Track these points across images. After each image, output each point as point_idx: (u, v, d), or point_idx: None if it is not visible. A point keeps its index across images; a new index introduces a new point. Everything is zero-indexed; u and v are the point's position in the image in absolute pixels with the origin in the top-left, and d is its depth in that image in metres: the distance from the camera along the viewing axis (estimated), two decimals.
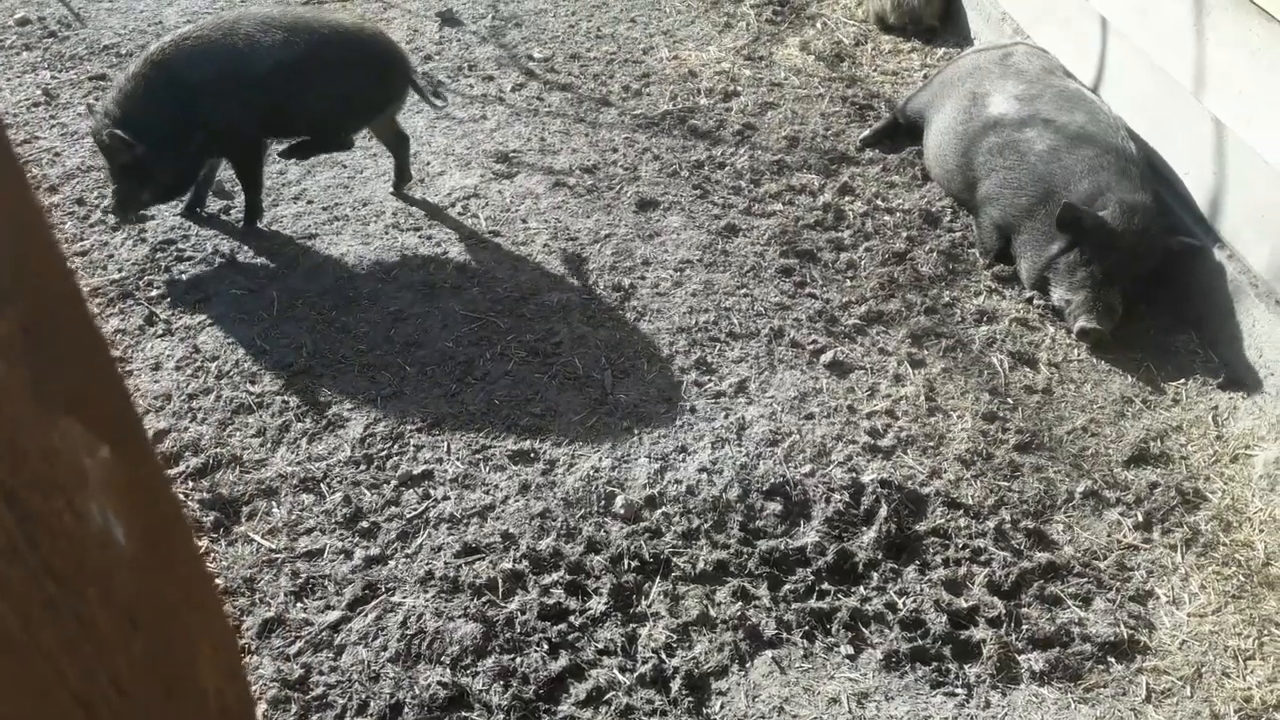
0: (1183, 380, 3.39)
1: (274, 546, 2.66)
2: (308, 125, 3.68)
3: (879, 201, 4.11)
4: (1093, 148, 3.61)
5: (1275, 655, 2.54)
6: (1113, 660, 2.53)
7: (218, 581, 2.56)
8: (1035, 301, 3.67)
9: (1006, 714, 2.38)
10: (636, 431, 3.04)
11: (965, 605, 2.61)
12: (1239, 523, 2.91)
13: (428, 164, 4.19)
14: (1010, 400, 3.27)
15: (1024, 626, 2.58)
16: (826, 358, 3.34)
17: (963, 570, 2.71)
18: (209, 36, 3.43)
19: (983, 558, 2.75)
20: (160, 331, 3.31)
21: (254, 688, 2.32)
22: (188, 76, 3.38)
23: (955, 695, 2.42)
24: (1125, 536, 2.86)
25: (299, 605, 2.52)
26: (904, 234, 3.93)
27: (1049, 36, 4.50)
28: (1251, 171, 3.35)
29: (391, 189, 4.01)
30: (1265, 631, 2.60)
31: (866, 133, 4.48)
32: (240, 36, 3.43)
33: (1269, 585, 2.72)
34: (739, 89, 4.83)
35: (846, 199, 4.12)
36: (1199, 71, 3.51)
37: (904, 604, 2.61)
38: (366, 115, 3.78)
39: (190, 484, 2.80)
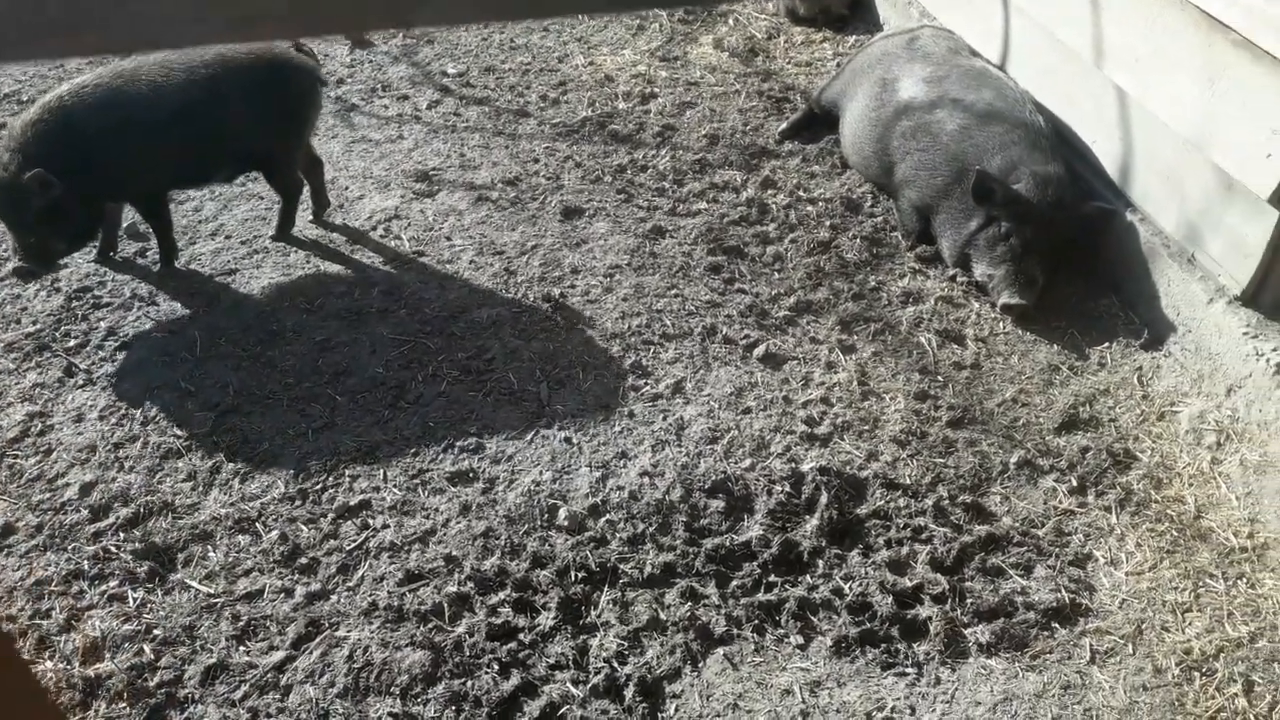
0: (1107, 344, 3.46)
1: (212, 591, 2.61)
2: (249, 162, 3.69)
3: (801, 193, 4.15)
4: (1002, 124, 3.68)
5: (1211, 606, 2.61)
6: (1057, 625, 2.57)
7: (156, 633, 2.50)
8: (959, 279, 3.73)
9: (957, 689, 2.41)
10: (576, 441, 3.03)
11: (910, 584, 2.64)
12: (1169, 479, 2.98)
13: (346, 188, 4.14)
14: (940, 378, 3.31)
15: (968, 600, 2.61)
16: (759, 351, 3.36)
17: (905, 550, 2.73)
18: (110, 84, 3.35)
19: (924, 535, 2.78)
20: (81, 382, 3.23)
21: None
22: (90, 125, 3.29)
23: (906, 675, 2.44)
24: (1061, 502, 2.91)
25: (242, 648, 2.48)
26: (827, 223, 3.97)
27: (954, 18, 4.57)
28: (1155, 136, 3.43)
29: (310, 217, 3.95)
30: (1200, 583, 2.67)
31: (784, 125, 4.52)
32: (143, 83, 3.36)
33: (1201, 537, 2.79)
34: (656, 90, 4.85)
35: (769, 192, 4.15)
36: (1098, 42, 3.59)
37: (850, 589, 2.63)
38: (297, 134, 3.74)
39: (121, 535, 2.74)
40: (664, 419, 3.11)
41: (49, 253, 3.41)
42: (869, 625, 2.54)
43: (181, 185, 3.91)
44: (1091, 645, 2.52)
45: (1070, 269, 3.72)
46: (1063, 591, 2.64)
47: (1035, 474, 2.99)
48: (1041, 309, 3.56)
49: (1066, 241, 3.61)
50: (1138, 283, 3.53)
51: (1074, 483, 2.96)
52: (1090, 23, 3.61)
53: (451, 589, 2.58)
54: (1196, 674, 2.45)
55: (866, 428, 3.11)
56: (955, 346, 3.46)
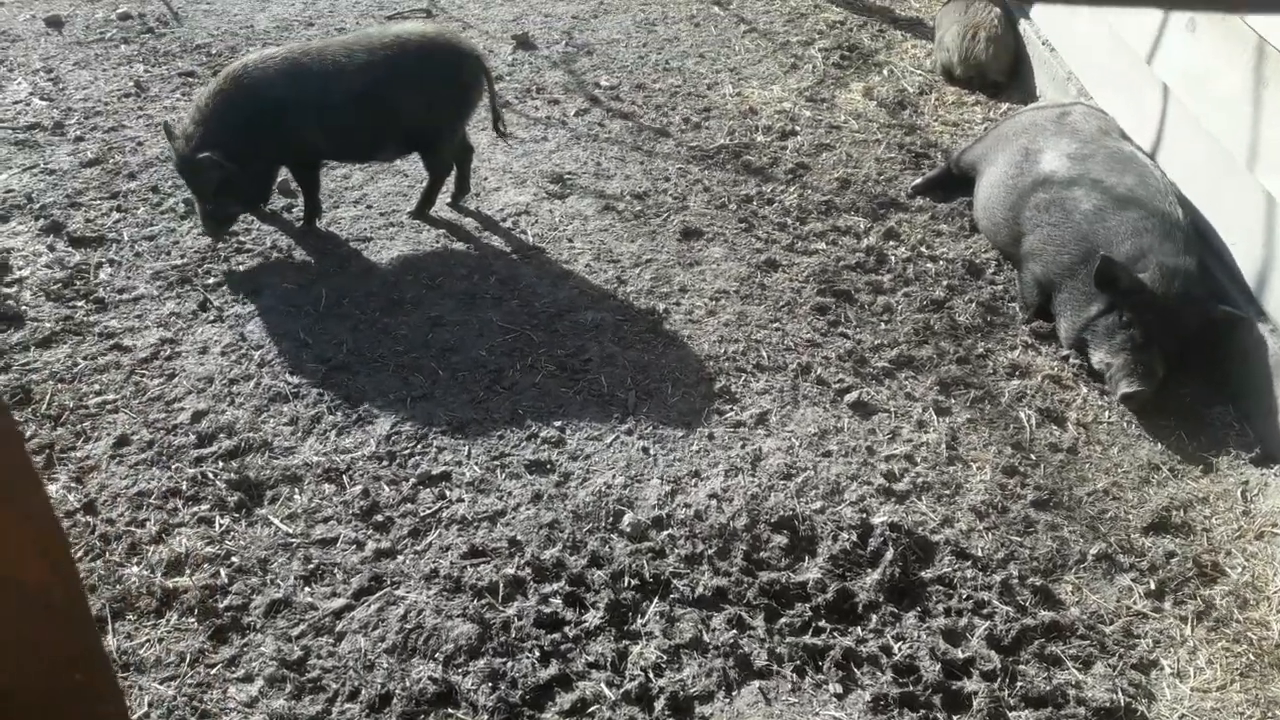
0: (1214, 452, 3.33)
1: (291, 531, 2.76)
2: (408, 141, 3.86)
3: (923, 249, 4.12)
4: (1138, 210, 3.59)
5: None
6: None
7: (233, 560, 2.67)
8: (1072, 360, 3.64)
9: None
10: (652, 452, 3.09)
11: (962, 656, 2.60)
12: (1256, 600, 2.85)
13: (485, 179, 4.32)
14: (1033, 456, 3.24)
15: (1019, 683, 2.56)
16: (851, 397, 3.35)
17: (964, 621, 2.69)
18: (296, 59, 3.59)
19: (986, 610, 2.73)
20: (212, 317, 3.47)
21: (253, 665, 2.42)
22: (273, 97, 3.53)
23: None
24: (1135, 603, 2.81)
25: (307, 590, 2.62)
26: (945, 282, 3.93)
27: (1111, 99, 4.48)
28: None
29: (449, 200, 4.14)
30: (1269, 713, 2.54)
31: (919, 180, 4.50)
32: (328, 61, 3.59)
33: (1279, 667, 2.66)
34: (797, 129, 4.89)
35: (890, 243, 4.14)
36: (1254, 143, 3.47)
37: (899, 649, 2.60)
38: (462, 117, 3.92)
39: (220, 464, 2.93)
40: (742, 446, 3.14)
41: (225, 218, 3.69)
42: (911, 689, 2.51)
43: (348, 159, 4.13)
44: None
45: (1189, 371, 3.59)
46: (1119, 693, 2.55)
47: (1113, 570, 2.90)
48: (1152, 406, 3.44)
49: (1189, 339, 3.49)
50: (1259, 396, 3.39)
51: (1153, 585, 2.86)
52: (1249, 123, 3.49)
53: (510, 571, 2.67)
54: None
55: (947, 492, 3.07)
56: (1054, 427, 3.38)
